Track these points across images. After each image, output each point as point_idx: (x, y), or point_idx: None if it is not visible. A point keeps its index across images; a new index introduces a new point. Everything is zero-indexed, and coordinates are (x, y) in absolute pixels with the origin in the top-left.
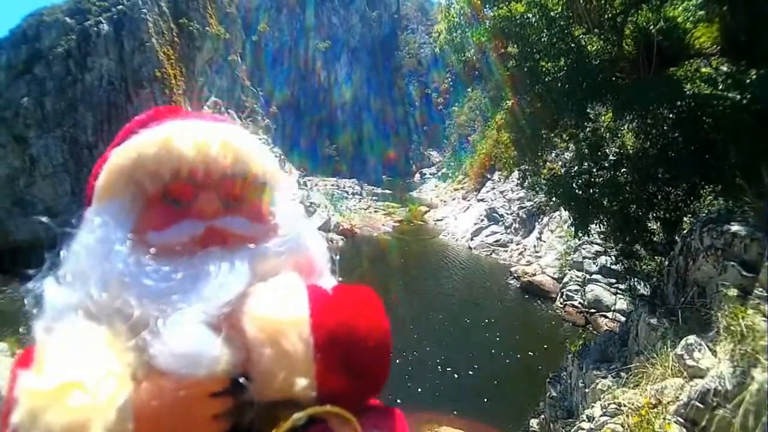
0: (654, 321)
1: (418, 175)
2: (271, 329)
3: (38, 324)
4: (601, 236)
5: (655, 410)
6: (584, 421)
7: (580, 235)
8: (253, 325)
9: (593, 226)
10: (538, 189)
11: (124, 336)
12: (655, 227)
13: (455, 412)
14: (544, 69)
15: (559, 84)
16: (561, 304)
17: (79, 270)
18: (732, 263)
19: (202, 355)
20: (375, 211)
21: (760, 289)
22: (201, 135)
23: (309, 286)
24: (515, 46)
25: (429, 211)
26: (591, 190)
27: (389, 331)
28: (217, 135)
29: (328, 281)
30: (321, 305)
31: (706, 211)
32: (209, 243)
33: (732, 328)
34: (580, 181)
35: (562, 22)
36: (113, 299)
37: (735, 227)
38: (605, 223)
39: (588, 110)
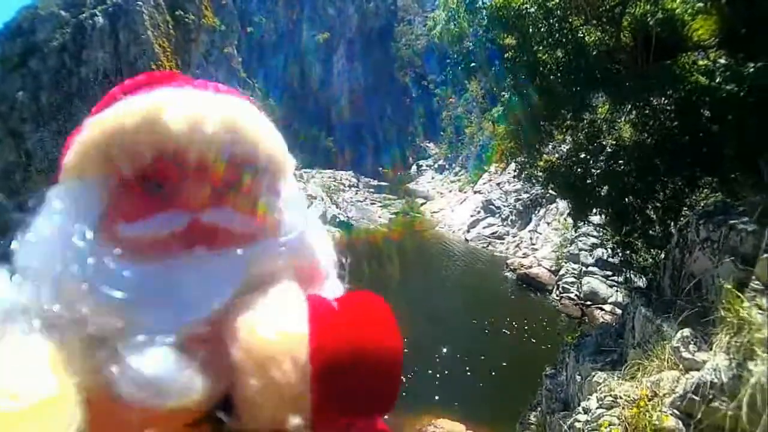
0: (650, 313)
1: (414, 167)
2: (260, 355)
3: None
4: (598, 228)
5: (652, 402)
6: (581, 413)
7: (578, 224)
8: (239, 348)
9: (591, 217)
10: (535, 181)
11: (78, 354)
12: (653, 217)
13: (451, 405)
14: (542, 60)
15: (558, 75)
16: (557, 296)
17: (32, 266)
18: (728, 256)
19: (172, 383)
20: (372, 203)
21: (756, 282)
22: (196, 107)
23: (310, 298)
24: (513, 36)
25: (426, 203)
26: (588, 181)
27: (401, 352)
28: (216, 109)
29: (334, 288)
30: (322, 323)
31: (703, 204)
32: (193, 240)
33: (728, 320)
34: (578, 170)
35: (560, 13)
36: (67, 308)
37: (731, 220)
38: (603, 213)
39: (586, 101)
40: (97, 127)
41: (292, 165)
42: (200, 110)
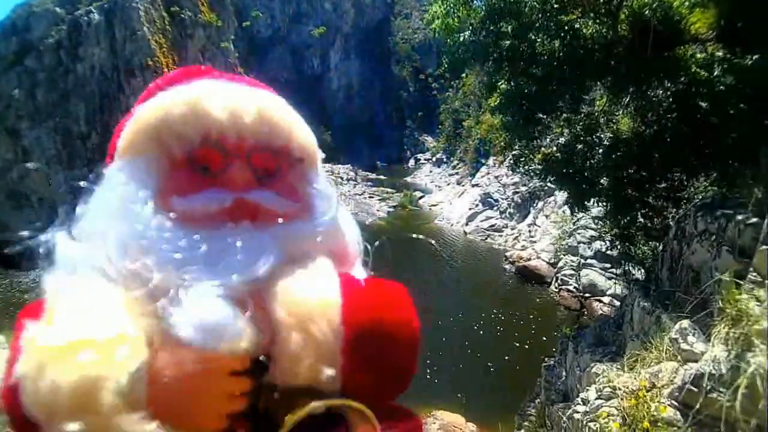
0: (648, 305)
1: (412, 161)
2: (300, 313)
3: (49, 277)
4: (597, 221)
5: (650, 394)
6: (579, 404)
7: (577, 214)
8: (282, 307)
9: (590, 210)
10: (532, 174)
11: (141, 301)
12: (652, 207)
13: (450, 396)
14: (539, 51)
15: (555, 66)
16: (556, 288)
17: (97, 228)
18: (726, 248)
19: (225, 330)
20: (370, 197)
21: (754, 274)
22: (235, 99)
23: (341, 275)
24: (510, 27)
25: (424, 196)
26: (586, 174)
27: (419, 331)
28: (253, 101)
29: (360, 272)
30: (353, 297)
31: (701, 196)
32: (238, 216)
33: (726, 312)
34: (576, 161)
35: (557, 4)
36: (131, 262)
37: (730, 212)
38: (602, 204)
39: (583, 93)
40: (147, 113)
41: (320, 157)
42: (239, 101)
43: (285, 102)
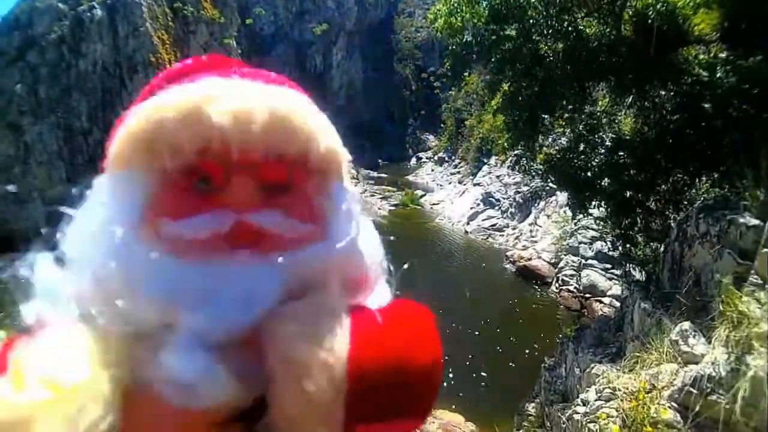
0: (649, 307)
1: (414, 159)
2: (296, 366)
3: (27, 308)
4: (598, 221)
5: (650, 395)
6: (579, 405)
7: (578, 215)
8: (277, 357)
9: (591, 210)
10: (534, 173)
11: (117, 347)
12: (653, 209)
13: (450, 396)
14: (542, 52)
15: (558, 67)
16: (556, 288)
17: (76, 253)
18: (727, 250)
19: (207, 387)
20: (371, 195)
21: (756, 277)
22: (244, 101)
23: (354, 309)
24: (514, 27)
25: (425, 195)
26: (588, 173)
27: (439, 370)
28: (264, 102)
29: (382, 294)
30: (363, 338)
31: (703, 198)
32: (237, 242)
33: (727, 314)
34: (577, 162)
35: (560, 4)
36: (106, 302)
37: (731, 214)
38: (603, 206)
39: (586, 94)
40: (140, 117)
41: (346, 163)
42: (247, 104)
43: (306, 99)
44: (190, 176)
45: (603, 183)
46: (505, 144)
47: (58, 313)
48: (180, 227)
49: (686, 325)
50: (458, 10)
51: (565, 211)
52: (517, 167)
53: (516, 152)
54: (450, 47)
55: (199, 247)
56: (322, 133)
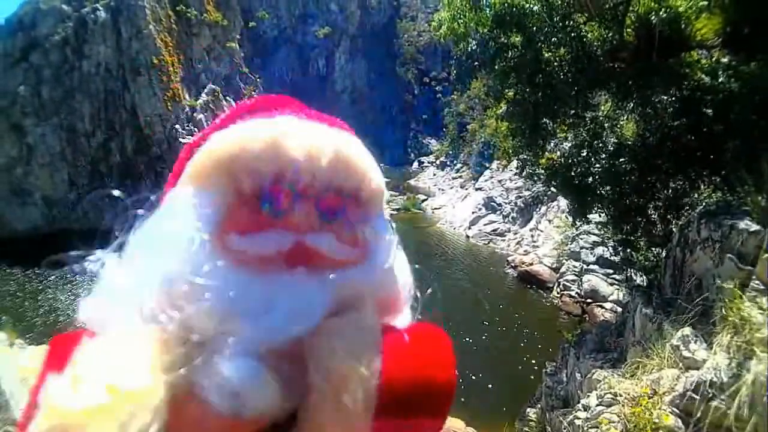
0: (650, 312)
1: (416, 164)
2: (335, 379)
3: (87, 302)
4: (600, 226)
5: (651, 401)
6: (580, 410)
7: (578, 223)
8: (317, 370)
9: (593, 215)
10: (536, 178)
11: (173, 349)
12: (654, 216)
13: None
14: (545, 58)
15: (561, 73)
16: (558, 293)
17: (145, 259)
18: (729, 256)
19: (255, 396)
20: None
21: (757, 282)
22: (314, 139)
23: (385, 329)
24: (517, 34)
25: (427, 199)
26: (590, 179)
27: (454, 386)
28: (331, 141)
29: (405, 318)
30: (394, 357)
31: (705, 203)
32: (294, 261)
33: (728, 320)
34: (579, 169)
35: (563, 11)
36: (174, 302)
37: (733, 220)
38: (605, 212)
39: (589, 99)
40: (223, 144)
41: (386, 198)
42: (318, 142)
43: (361, 144)
44: (260, 198)
45: (604, 190)
46: (510, 150)
47: (118, 312)
48: (247, 242)
49: (688, 330)
50: (461, 16)
51: (566, 216)
52: (523, 173)
53: (521, 157)
54: (454, 56)
55: (261, 262)
56: (373, 172)
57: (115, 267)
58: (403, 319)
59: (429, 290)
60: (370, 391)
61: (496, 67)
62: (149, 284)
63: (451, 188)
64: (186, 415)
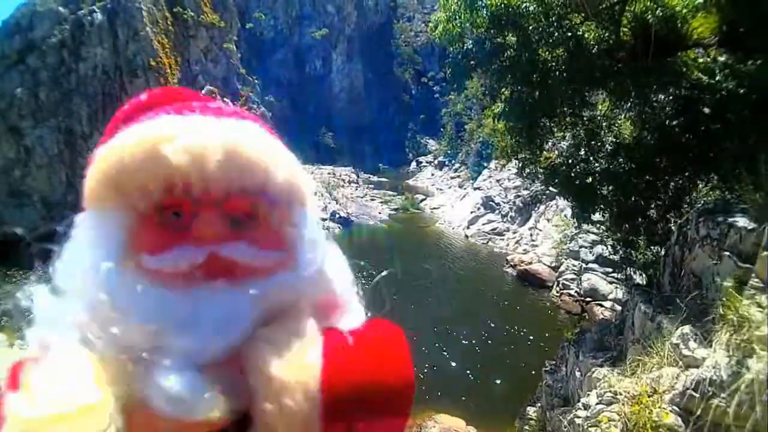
0: (650, 310)
1: (414, 164)
2: (275, 384)
3: (31, 333)
4: (599, 225)
5: (651, 399)
6: (580, 409)
7: (581, 223)
8: (256, 376)
9: (591, 215)
10: (535, 178)
11: (115, 367)
12: (654, 215)
13: (451, 400)
14: (542, 58)
15: (557, 72)
16: (557, 292)
17: (69, 284)
18: (728, 254)
19: (196, 402)
20: (372, 200)
21: (756, 280)
22: (197, 139)
23: (326, 332)
24: (513, 34)
25: (425, 199)
26: (589, 179)
27: (413, 383)
28: (219, 138)
29: (354, 316)
30: (335, 358)
31: (703, 201)
32: (212, 273)
33: (728, 318)
34: (577, 169)
35: (559, 11)
36: (102, 325)
37: (731, 218)
38: (606, 212)
39: (586, 98)
40: (103, 161)
41: (310, 190)
42: (202, 141)
43: (264, 131)
44: (163, 211)
45: (605, 190)
46: (507, 149)
47: (58, 338)
48: (159, 261)
49: (687, 328)
50: (457, 17)
51: (565, 215)
52: (523, 173)
53: (521, 156)
54: (450, 56)
55: (179, 278)
56: (280, 163)
57: (45, 296)
58: (351, 318)
59: (383, 273)
60: (311, 395)
61: (493, 66)
62: (78, 311)
63: (450, 188)
64: (137, 422)
